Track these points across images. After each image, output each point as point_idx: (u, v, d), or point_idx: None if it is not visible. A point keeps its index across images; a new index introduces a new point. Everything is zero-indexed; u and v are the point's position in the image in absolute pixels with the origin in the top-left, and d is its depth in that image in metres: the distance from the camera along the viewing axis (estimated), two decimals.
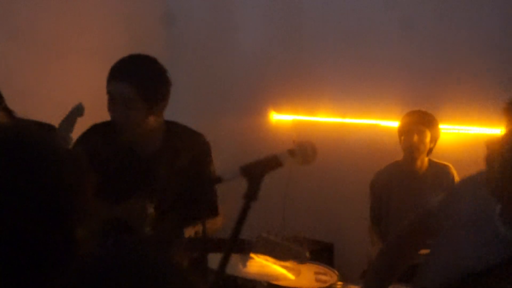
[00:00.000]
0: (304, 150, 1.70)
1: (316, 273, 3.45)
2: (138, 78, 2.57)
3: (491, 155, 1.66)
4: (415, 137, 3.63)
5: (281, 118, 5.06)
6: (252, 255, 2.87)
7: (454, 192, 2.00)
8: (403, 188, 3.74)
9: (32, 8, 4.59)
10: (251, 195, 1.56)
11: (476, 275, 1.67)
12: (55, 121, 3.18)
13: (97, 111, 2.90)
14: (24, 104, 3.03)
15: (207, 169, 2.78)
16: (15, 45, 4.42)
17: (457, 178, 3.63)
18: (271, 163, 1.64)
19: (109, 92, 2.59)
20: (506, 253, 1.66)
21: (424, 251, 2.56)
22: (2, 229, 0.97)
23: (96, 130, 2.80)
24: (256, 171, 1.58)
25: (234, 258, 2.65)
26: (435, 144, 3.74)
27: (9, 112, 2.94)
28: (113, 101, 2.58)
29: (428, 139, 3.63)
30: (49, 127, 3.16)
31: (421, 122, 3.62)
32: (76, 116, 2.88)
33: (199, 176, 2.71)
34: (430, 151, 3.70)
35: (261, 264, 2.89)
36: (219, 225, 2.79)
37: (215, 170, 2.82)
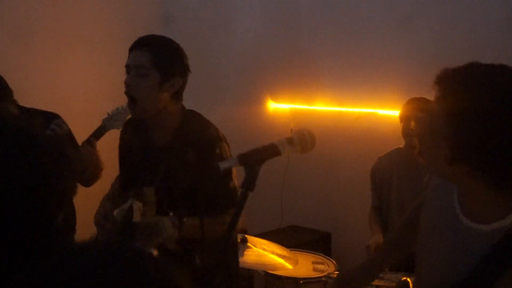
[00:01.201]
0: (302, 138, 1.68)
1: (314, 262, 3.45)
2: (153, 46, 2.57)
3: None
4: (413, 123, 3.60)
5: (278, 107, 5.04)
6: None
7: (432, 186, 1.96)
8: (403, 175, 3.72)
9: (30, 4, 4.57)
10: (248, 184, 1.54)
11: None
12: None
13: (93, 105, 2.90)
14: (21, 97, 3.02)
15: (211, 164, 2.74)
16: (13, 40, 4.40)
17: None
18: (269, 151, 1.62)
19: (127, 66, 2.58)
20: (477, 247, 1.65)
21: None
22: None
23: (128, 122, 2.83)
24: (254, 160, 1.56)
25: None
26: None
27: (17, 105, 2.98)
28: (128, 73, 2.57)
29: None
30: (54, 115, 3.17)
31: (420, 108, 3.59)
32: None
33: (203, 169, 2.68)
34: None
35: (259, 253, 2.88)
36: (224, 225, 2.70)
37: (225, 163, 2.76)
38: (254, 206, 2.24)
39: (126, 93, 2.57)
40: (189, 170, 2.63)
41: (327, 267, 3.36)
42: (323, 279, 3.18)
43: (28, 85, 3.19)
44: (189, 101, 5.70)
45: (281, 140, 1.65)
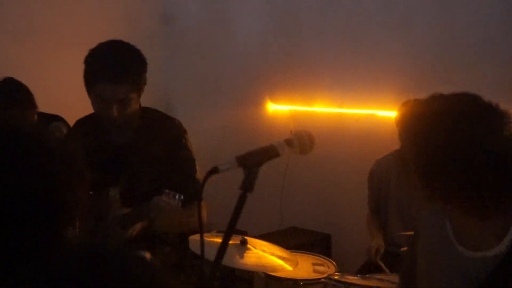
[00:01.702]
0: (301, 139, 1.68)
1: (314, 264, 3.44)
2: (132, 76, 2.54)
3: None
4: None
5: (278, 108, 5.04)
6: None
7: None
8: (402, 178, 3.72)
9: (29, 5, 4.57)
10: (247, 186, 1.54)
11: None
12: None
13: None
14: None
15: (180, 154, 2.75)
16: (12, 41, 4.40)
17: None
18: (268, 152, 1.61)
19: (99, 95, 2.53)
20: (475, 275, 1.65)
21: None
22: None
23: (79, 125, 2.84)
24: (253, 161, 1.56)
25: (231, 249, 2.63)
26: None
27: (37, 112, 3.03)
28: (105, 102, 2.53)
29: None
30: (54, 117, 3.18)
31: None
32: None
33: (171, 161, 2.69)
34: None
35: (259, 255, 2.87)
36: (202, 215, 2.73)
37: (191, 154, 2.79)
38: (254, 207, 2.23)
39: (113, 123, 2.56)
40: (157, 164, 2.64)
41: (327, 269, 3.36)
42: (323, 280, 3.17)
43: (27, 85, 3.20)
44: (188, 103, 5.72)
45: (280, 142, 1.65)
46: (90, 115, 2.76)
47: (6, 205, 0.96)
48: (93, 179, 2.57)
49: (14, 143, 1.01)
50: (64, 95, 4.50)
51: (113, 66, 2.52)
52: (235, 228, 1.52)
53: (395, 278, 3.09)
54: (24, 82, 3.18)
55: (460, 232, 1.71)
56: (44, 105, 3.34)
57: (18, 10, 4.50)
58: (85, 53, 2.62)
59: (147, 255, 2.04)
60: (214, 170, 1.54)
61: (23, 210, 0.97)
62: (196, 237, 2.85)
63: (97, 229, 2.53)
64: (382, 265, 3.34)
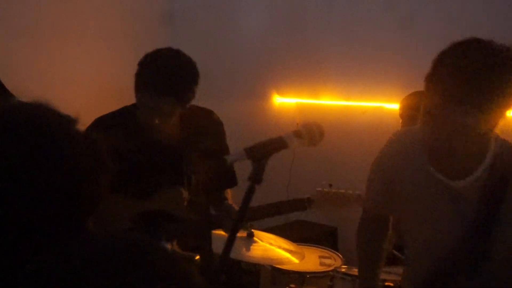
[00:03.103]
0: (310, 131, 1.67)
1: (320, 256, 3.45)
2: (180, 91, 2.52)
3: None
4: (411, 123, 3.57)
5: (284, 101, 5.03)
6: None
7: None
8: None
9: (32, 2, 4.56)
10: (256, 177, 1.53)
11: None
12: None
13: (95, 102, 2.88)
14: (23, 94, 3.02)
15: (224, 143, 2.83)
16: (15, 37, 4.40)
17: None
18: (276, 144, 1.61)
19: (144, 103, 2.53)
20: (464, 202, 1.78)
21: None
22: (10, 208, 0.95)
23: (101, 123, 2.71)
24: (261, 153, 1.56)
25: (238, 242, 2.63)
26: None
27: None
28: (153, 112, 2.53)
29: None
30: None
31: (412, 106, 3.55)
32: None
33: (220, 151, 2.71)
34: None
35: (265, 248, 2.87)
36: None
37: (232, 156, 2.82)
38: (261, 200, 2.23)
39: (147, 125, 2.57)
40: (209, 153, 2.65)
41: (333, 261, 3.36)
42: (330, 273, 3.17)
43: (29, 82, 3.18)
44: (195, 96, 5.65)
45: (288, 133, 1.64)
46: (113, 114, 2.71)
47: (29, 195, 0.95)
48: (149, 180, 2.59)
49: (39, 132, 1.00)
50: (66, 92, 4.50)
51: (162, 78, 2.48)
52: (244, 219, 1.52)
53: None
54: (26, 78, 3.16)
55: (440, 164, 1.83)
56: (48, 98, 3.34)
57: (20, 7, 4.50)
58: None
59: (169, 246, 2.05)
60: (222, 162, 1.53)
61: (47, 200, 0.97)
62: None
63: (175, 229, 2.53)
64: (396, 253, 3.32)
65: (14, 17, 4.45)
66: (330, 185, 2.64)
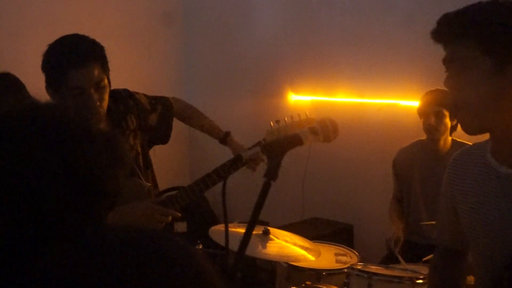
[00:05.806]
0: (325, 127, 1.67)
1: (336, 254, 3.44)
2: (98, 57, 2.44)
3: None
4: (433, 119, 3.56)
5: (299, 99, 5.03)
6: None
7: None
8: (425, 167, 3.70)
9: (29, 1, 4.59)
10: (271, 174, 1.53)
11: None
12: None
13: None
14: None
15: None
16: (11, 37, 4.43)
17: None
18: (292, 141, 1.61)
19: (73, 85, 2.38)
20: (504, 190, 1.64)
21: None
22: (27, 203, 0.95)
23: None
24: (277, 149, 1.56)
25: (254, 239, 2.64)
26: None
27: None
28: (82, 91, 2.38)
29: (447, 118, 3.56)
30: None
31: (437, 103, 3.54)
32: None
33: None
34: (453, 128, 3.60)
35: (281, 245, 2.87)
36: None
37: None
38: (276, 198, 2.23)
39: (96, 114, 2.42)
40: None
41: (349, 259, 3.35)
42: (346, 270, 3.16)
43: (27, 82, 3.19)
44: (209, 95, 5.72)
45: (304, 130, 1.64)
46: None
47: (48, 190, 0.96)
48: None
49: (58, 128, 1.01)
50: None
51: (77, 52, 2.43)
52: (259, 216, 1.52)
53: (418, 267, 3.08)
54: (23, 78, 3.17)
55: (503, 153, 1.69)
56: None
57: (17, 6, 4.52)
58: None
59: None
60: (237, 158, 1.54)
61: (66, 195, 0.97)
62: (219, 227, 2.87)
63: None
64: (399, 257, 3.32)
65: (14, 17, 4.48)
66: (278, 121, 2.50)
